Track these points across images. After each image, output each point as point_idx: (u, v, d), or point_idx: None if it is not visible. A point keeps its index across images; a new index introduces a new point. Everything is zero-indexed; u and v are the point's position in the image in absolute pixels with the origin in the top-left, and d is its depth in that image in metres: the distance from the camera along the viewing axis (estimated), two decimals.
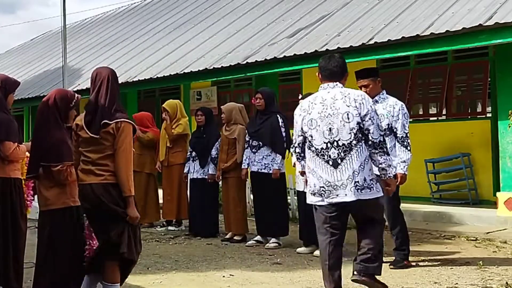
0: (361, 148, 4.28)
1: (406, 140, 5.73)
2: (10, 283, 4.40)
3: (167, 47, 14.35)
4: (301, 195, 6.57)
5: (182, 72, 11.79)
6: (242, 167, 7.22)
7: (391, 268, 5.64)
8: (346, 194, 4.25)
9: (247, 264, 6.03)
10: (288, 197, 8.54)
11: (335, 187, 4.27)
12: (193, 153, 8.00)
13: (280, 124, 7.03)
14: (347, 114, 4.27)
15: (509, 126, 8.13)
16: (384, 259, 5.91)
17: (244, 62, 10.59)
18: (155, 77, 12.36)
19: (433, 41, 8.22)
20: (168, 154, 8.31)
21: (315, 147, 4.35)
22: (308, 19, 11.57)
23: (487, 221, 8.08)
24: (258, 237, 7.15)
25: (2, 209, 4.42)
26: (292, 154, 6.70)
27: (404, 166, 5.67)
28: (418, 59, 10.48)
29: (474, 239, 7.18)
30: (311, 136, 4.37)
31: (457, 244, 7.00)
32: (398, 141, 5.74)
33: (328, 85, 4.45)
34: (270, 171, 6.97)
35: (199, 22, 15.50)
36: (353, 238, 7.35)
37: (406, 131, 5.77)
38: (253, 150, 7.12)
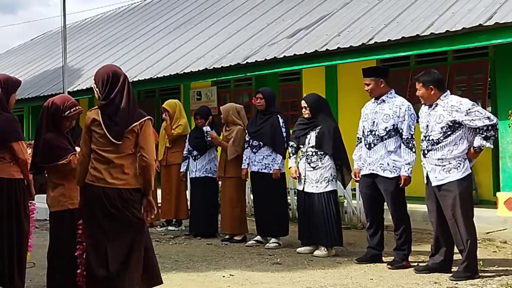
0: None
1: (411, 142, 5.68)
2: (15, 282, 4.44)
3: (167, 47, 14.36)
4: (301, 195, 6.57)
5: (182, 72, 11.79)
6: (242, 167, 7.20)
7: (389, 268, 5.63)
8: None
9: (247, 264, 6.03)
10: (288, 197, 8.53)
11: None
12: (194, 152, 7.97)
13: (281, 124, 7.01)
14: None
15: (509, 126, 8.13)
16: (384, 259, 5.94)
17: (244, 62, 10.60)
18: (155, 77, 12.37)
19: (433, 41, 8.22)
20: (166, 154, 8.31)
21: None
22: (308, 19, 11.57)
23: (487, 221, 8.06)
24: (258, 237, 7.15)
25: (7, 210, 4.46)
26: (289, 156, 6.71)
27: (408, 168, 5.64)
28: (418, 59, 10.48)
29: None
30: None
31: None
32: (403, 143, 5.68)
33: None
34: (271, 171, 6.96)
35: (199, 22, 15.50)
36: (352, 238, 7.40)
37: (412, 132, 5.70)
38: (253, 150, 7.10)
